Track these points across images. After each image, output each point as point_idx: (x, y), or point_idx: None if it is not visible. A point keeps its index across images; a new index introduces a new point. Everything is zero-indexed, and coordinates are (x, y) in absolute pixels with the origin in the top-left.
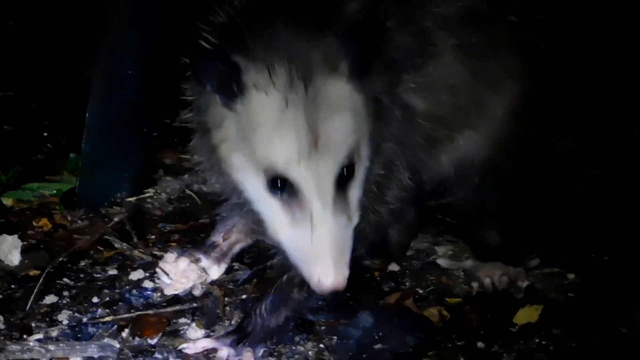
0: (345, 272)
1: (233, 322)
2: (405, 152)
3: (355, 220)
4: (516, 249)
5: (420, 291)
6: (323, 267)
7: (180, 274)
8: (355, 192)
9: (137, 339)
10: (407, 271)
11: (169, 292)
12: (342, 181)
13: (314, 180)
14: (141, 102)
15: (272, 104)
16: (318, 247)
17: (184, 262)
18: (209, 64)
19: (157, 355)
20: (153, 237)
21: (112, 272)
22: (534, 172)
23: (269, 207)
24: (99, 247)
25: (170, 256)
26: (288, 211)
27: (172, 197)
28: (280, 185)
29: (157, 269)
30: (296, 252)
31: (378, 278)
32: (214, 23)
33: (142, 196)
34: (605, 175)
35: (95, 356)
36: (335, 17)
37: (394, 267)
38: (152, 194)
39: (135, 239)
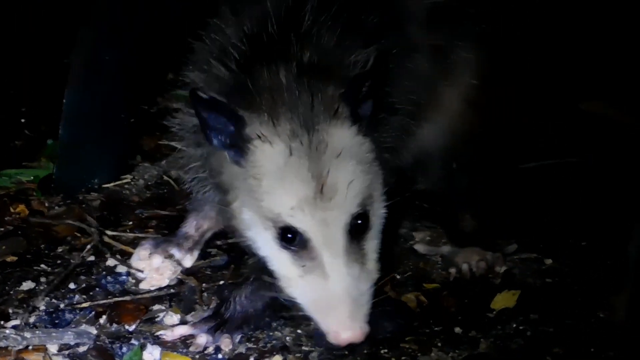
0: (362, 324)
1: (210, 308)
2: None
3: (374, 272)
4: (492, 234)
5: (398, 277)
6: (338, 319)
7: (154, 270)
8: (371, 242)
9: (114, 325)
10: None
11: (144, 287)
12: (356, 230)
13: (322, 228)
14: (119, 88)
15: (276, 153)
16: (332, 298)
17: (157, 259)
18: (216, 120)
19: (133, 341)
20: (130, 223)
21: (90, 258)
22: (504, 158)
23: (280, 261)
24: (76, 233)
25: (143, 253)
26: (299, 263)
27: (149, 183)
28: (290, 236)
29: (132, 263)
30: (310, 304)
31: None
32: (213, 72)
33: (119, 182)
34: (583, 162)
35: (72, 343)
36: (337, 65)
37: None
38: (129, 180)
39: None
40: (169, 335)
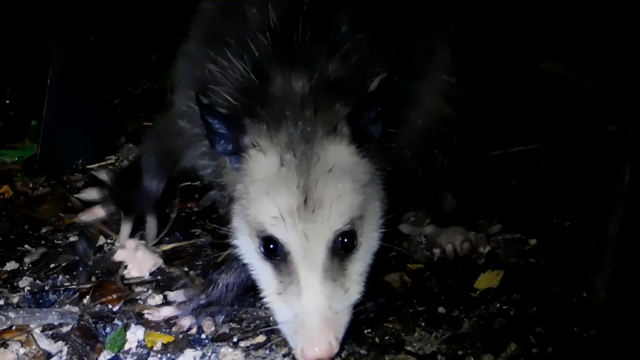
0: (330, 344)
1: (195, 289)
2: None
3: (355, 294)
4: (475, 213)
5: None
6: (306, 338)
7: (137, 262)
8: (356, 264)
9: (98, 305)
10: None
11: (127, 274)
12: (341, 249)
13: (302, 242)
14: (103, 69)
15: (268, 163)
16: (302, 316)
17: (141, 253)
18: (218, 126)
19: (117, 321)
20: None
21: (73, 238)
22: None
23: (262, 273)
24: (60, 214)
25: (130, 244)
26: (278, 276)
27: None
28: (272, 247)
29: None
30: (282, 318)
31: None
32: (228, 69)
33: (103, 163)
34: (566, 144)
35: (56, 323)
36: (351, 84)
37: None
38: (113, 161)
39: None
40: (154, 315)
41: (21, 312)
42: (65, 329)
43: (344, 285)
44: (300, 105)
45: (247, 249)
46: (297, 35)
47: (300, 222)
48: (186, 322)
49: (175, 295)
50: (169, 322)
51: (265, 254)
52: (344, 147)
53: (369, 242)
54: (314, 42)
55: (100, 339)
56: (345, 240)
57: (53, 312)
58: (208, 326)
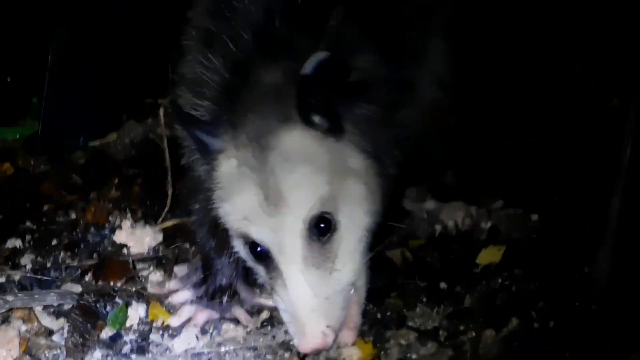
0: (322, 331)
1: (194, 265)
2: None
3: (346, 275)
4: (476, 189)
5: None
6: (298, 330)
7: (137, 238)
8: (342, 244)
9: (100, 283)
10: None
11: (128, 252)
12: (320, 234)
13: (274, 236)
14: (105, 46)
15: (229, 165)
16: (292, 308)
17: (140, 230)
18: (192, 131)
19: (118, 300)
20: (116, 181)
21: (75, 216)
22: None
23: (258, 272)
24: (61, 191)
25: (125, 223)
26: (268, 273)
27: (135, 141)
28: (259, 250)
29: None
30: (282, 313)
31: None
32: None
33: (105, 140)
34: (566, 116)
35: (55, 304)
36: (289, 65)
37: None
38: (115, 139)
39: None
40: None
41: (20, 294)
42: (66, 307)
43: (332, 269)
44: (260, 99)
45: (244, 255)
46: (279, 28)
47: (267, 218)
48: (185, 296)
49: (180, 270)
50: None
51: (254, 258)
52: (298, 132)
53: (352, 218)
54: (297, 35)
55: (101, 317)
56: (321, 224)
57: (52, 294)
58: (201, 318)
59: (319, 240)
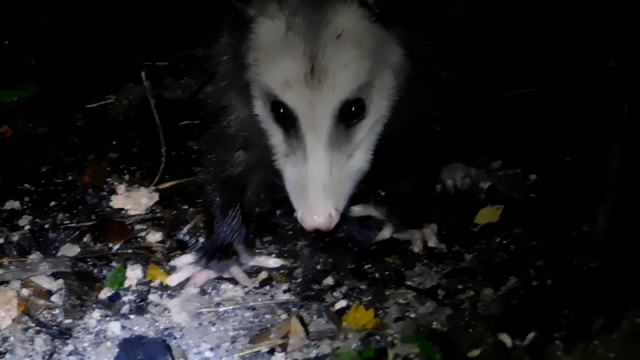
0: (329, 212)
1: (194, 226)
2: None
3: (360, 162)
4: (476, 149)
5: (382, 193)
6: (307, 203)
7: (133, 200)
8: (363, 132)
9: (98, 244)
10: (369, 173)
11: (126, 214)
12: (348, 117)
13: (308, 109)
14: (104, 9)
15: (276, 28)
16: (306, 180)
17: (135, 192)
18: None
19: (114, 264)
20: (114, 142)
21: (74, 177)
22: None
23: (274, 135)
24: (60, 153)
25: (120, 188)
26: (287, 139)
27: (133, 103)
28: (282, 112)
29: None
30: (289, 183)
31: None
32: None
33: (103, 102)
34: (565, 77)
35: (49, 273)
36: None
37: None
38: (113, 100)
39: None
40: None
41: (11, 267)
42: (63, 268)
43: (349, 153)
44: None
45: (262, 113)
46: None
47: (307, 90)
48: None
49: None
50: (169, 256)
51: (275, 118)
52: (354, 11)
53: (378, 110)
54: None
55: (98, 279)
56: (353, 108)
57: (44, 263)
58: (200, 279)
59: (347, 124)
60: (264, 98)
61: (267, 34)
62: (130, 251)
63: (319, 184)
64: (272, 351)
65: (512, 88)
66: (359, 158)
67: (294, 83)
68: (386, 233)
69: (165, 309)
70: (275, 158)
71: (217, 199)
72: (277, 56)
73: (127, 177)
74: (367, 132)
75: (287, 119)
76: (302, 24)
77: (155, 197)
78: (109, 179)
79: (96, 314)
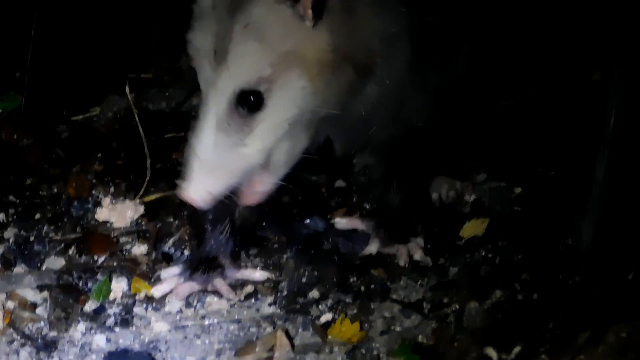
0: (207, 191)
1: (179, 239)
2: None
3: (253, 153)
4: (462, 162)
5: (367, 206)
6: (186, 178)
7: (118, 213)
8: (263, 125)
9: (83, 257)
10: (354, 187)
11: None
12: (247, 106)
13: (210, 87)
14: (88, 19)
15: (207, 2)
16: (192, 153)
17: (121, 205)
18: None
19: (100, 276)
20: (99, 154)
21: (59, 189)
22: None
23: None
24: (45, 165)
25: (105, 200)
26: (199, 113)
27: (118, 115)
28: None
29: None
30: (189, 148)
31: (325, 194)
32: None
33: (88, 114)
34: (549, 88)
35: (34, 285)
36: None
37: (340, 183)
38: (98, 112)
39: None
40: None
41: None
42: (48, 281)
43: (242, 142)
44: None
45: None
46: None
47: (210, 69)
48: (184, 289)
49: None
50: (154, 269)
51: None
52: (271, 6)
53: (281, 107)
54: None
55: (83, 292)
56: (250, 98)
57: (30, 276)
58: (182, 292)
59: (242, 112)
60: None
61: (202, 5)
62: (115, 264)
63: (198, 163)
64: None
65: (497, 99)
66: (252, 149)
67: (202, 58)
68: (373, 248)
69: (150, 321)
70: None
71: (207, 212)
72: (199, 28)
73: (112, 189)
74: (266, 126)
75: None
76: (224, 4)
77: (141, 209)
78: (94, 191)
79: (81, 326)
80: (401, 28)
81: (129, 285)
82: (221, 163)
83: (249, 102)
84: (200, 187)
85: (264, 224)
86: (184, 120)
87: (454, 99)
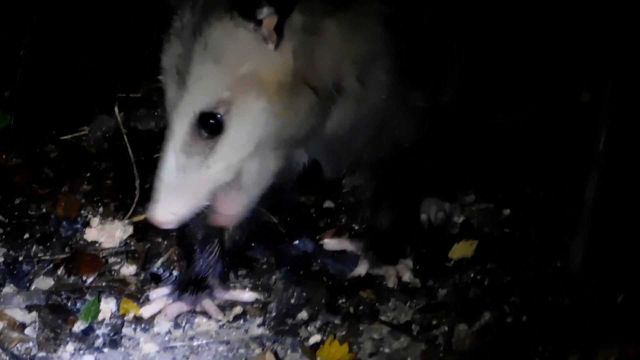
0: (172, 213)
1: (168, 259)
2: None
3: (217, 174)
4: (451, 184)
5: (356, 227)
6: (152, 200)
7: (107, 233)
8: (223, 146)
9: (72, 277)
10: (343, 207)
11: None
12: (208, 128)
13: (173, 108)
14: (77, 39)
15: (178, 24)
16: (157, 176)
17: (110, 225)
18: None
19: (88, 297)
20: (88, 174)
21: (47, 209)
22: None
23: None
24: (33, 184)
25: (94, 220)
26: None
27: (107, 135)
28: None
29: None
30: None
31: (314, 214)
32: None
33: (77, 134)
34: (539, 111)
35: (22, 306)
36: None
37: (329, 203)
38: (87, 132)
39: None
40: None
41: None
42: (37, 301)
43: (205, 163)
44: None
45: None
46: None
47: (172, 90)
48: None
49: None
50: (143, 289)
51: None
52: (230, 28)
53: (241, 127)
54: None
55: (72, 312)
56: (211, 121)
57: (18, 296)
58: (171, 313)
59: (203, 133)
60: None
61: (175, 27)
62: (104, 284)
63: (163, 185)
64: None
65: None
66: (216, 170)
67: (168, 79)
68: (362, 269)
69: (139, 342)
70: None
71: (197, 233)
72: (167, 48)
73: (101, 209)
74: (229, 147)
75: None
76: (189, 23)
77: (129, 229)
78: (82, 211)
79: (70, 347)
80: (379, 49)
81: (118, 305)
82: (185, 185)
83: (210, 124)
84: (164, 209)
85: (252, 244)
86: None
87: (442, 120)
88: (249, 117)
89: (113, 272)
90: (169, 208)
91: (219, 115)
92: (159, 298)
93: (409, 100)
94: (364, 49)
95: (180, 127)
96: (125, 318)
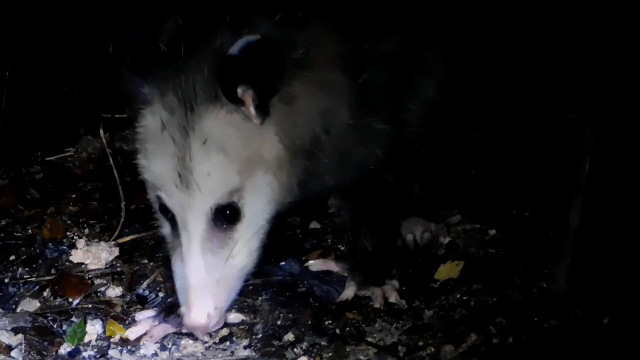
0: (207, 315)
1: (154, 281)
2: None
3: (240, 263)
4: (436, 204)
5: (342, 248)
6: (187, 305)
7: (93, 255)
8: (242, 233)
9: (58, 299)
10: (329, 228)
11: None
12: (225, 220)
13: (181, 211)
14: (62, 60)
15: (154, 124)
16: (186, 283)
17: (95, 247)
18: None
19: (74, 319)
20: (74, 195)
21: (33, 231)
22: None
23: (163, 225)
24: (19, 206)
25: (80, 242)
26: (171, 233)
27: (93, 156)
28: (163, 205)
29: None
30: (175, 275)
31: (300, 235)
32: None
33: (62, 155)
34: (524, 131)
35: (8, 328)
36: (219, 46)
37: (315, 224)
38: (72, 153)
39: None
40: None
41: None
42: (23, 324)
43: (229, 254)
44: (186, 67)
45: (152, 199)
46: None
47: (178, 192)
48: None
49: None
50: (128, 311)
51: (159, 209)
52: (221, 116)
53: (255, 208)
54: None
55: (57, 334)
56: (227, 212)
57: (4, 318)
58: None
59: (222, 226)
60: (150, 188)
61: (149, 127)
62: (90, 306)
63: (195, 287)
64: None
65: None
66: (241, 257)
67: (166, 184)
68: (350, 292)
69: None
70: (168, 248)
71: None
72: (154, 153)
73: (86, 230)
74: (248, 231)
75: (168, 214)
76: (175, 123)
77: (115, 251)
78: (68, 233)
79: None
80: (340, 96)
81: (104, 327)
82: (217, 279)
83: (227, 215)
84: (204, 311)
85: None
86: None
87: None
88: (261, 196)
89: (99, 294)
90: (207, 307)
91: (234, 204)
92: (145, 320)
93: (369, 128)
94: (329, 99)
95: (196, 227)
96: (112, 340)
